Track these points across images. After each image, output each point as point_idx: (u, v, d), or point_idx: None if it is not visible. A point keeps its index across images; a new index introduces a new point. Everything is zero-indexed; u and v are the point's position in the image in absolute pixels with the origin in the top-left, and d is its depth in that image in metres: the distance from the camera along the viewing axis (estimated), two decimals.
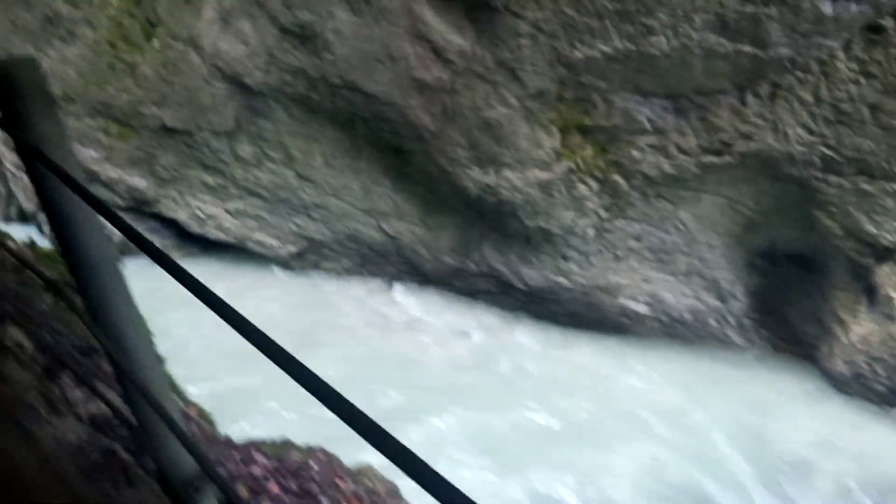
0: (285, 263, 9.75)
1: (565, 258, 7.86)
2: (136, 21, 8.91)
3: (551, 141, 7.12)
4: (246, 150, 8.92)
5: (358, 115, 8.11)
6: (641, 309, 8.10)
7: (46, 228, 11.05)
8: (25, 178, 10.91)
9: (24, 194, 10.92)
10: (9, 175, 10.93)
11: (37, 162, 1.31)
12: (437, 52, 7.23)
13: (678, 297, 7.98)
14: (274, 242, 9.60)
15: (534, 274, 8.12)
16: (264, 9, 7.76)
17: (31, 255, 4.08)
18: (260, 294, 9.34)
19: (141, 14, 8.86)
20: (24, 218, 11.28)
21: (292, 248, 9.59)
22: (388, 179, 8.68)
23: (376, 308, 9.07)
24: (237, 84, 8.40)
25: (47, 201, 1.42)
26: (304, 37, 7.68)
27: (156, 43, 8.76)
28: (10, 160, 10.84)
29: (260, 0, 7.74)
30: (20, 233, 11.91)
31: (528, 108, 7.08)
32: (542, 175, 7.27)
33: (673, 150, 6.77)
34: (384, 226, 9.00)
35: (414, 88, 7.51)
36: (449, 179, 7.98)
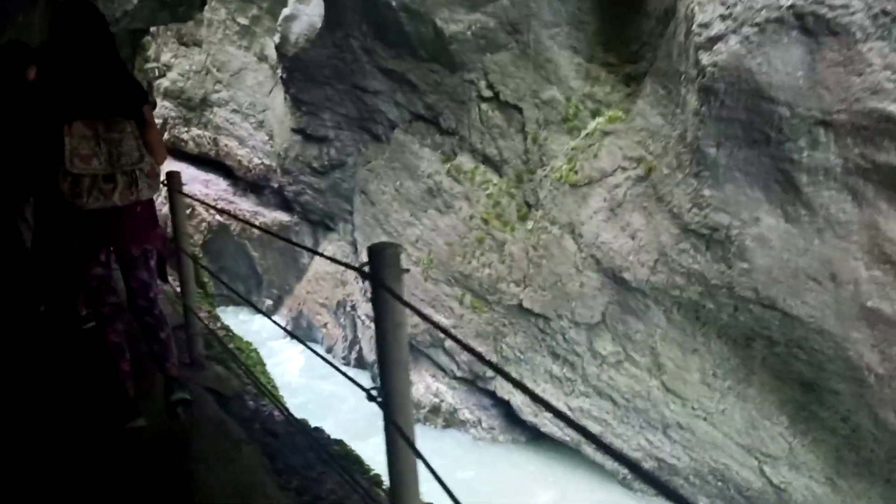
0: (624, 480, 8.26)
1: None
2: (514, 201, 8.86)
3: None
4: (607, 347, 7.94)
5: (763, 335, 6.61)
6: None
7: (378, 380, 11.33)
8: (373, 329, 11.48)
9: (368, 344, 11.39)
10: (359, 324, 11.57)
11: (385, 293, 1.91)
12: None
13: None
14: None
15: None
16: (666, 205, 6.95)
17: None
18: None
19: (520, 195, 8.80)
20: (360, 364, 11.75)
21: None
22: (785, 416, 6.86)
23: None
24: (613, 277, 7.60)
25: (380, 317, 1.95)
26: (712, 240, 6.61)
27: (530, 224, 8.54)
28: (363, 311, 11.49)
29: (663, 195, 6.97)
30: (355, 375, 12.34)
31: None
32: None
33: None
34: (768, 471, 7.06)
35: (861, 319, 5.82)
36: (892, 440, 5.89)
